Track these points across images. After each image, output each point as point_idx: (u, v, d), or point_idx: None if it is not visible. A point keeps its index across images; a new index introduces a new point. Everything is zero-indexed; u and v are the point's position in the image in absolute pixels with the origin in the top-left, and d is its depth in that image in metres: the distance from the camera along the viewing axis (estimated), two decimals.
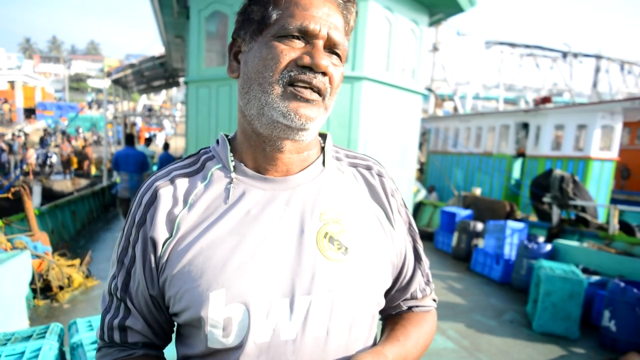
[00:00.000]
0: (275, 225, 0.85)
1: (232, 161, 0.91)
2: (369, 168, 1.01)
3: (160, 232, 0.85)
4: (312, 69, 0.82)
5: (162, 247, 0.85)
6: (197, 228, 0.85)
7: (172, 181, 0.89)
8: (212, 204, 0.87)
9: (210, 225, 0.85)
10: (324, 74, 0.83)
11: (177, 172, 0.91)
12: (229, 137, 0.97)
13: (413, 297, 1.07)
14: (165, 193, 0.88)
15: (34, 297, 4.79)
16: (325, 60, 0.82)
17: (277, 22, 0.82)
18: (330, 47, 0.85)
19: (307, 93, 0.82)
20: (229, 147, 0.93)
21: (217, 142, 0.96)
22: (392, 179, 1.04)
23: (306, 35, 0.82)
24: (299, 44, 0.83)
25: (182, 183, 0.89)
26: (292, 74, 0.81)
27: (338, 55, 0.87)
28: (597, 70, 17.69)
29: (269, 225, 0.85)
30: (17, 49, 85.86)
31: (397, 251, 0.97)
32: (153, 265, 0.86)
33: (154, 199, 0.88)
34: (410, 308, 1.07)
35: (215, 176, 0.90)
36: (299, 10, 0.82)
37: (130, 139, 8.36)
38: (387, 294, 1.01)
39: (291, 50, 0.82)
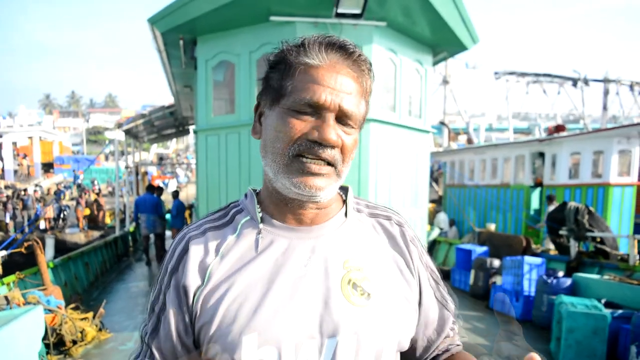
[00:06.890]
0: (301, 272, 0.89)
1: (259, 213, 0.96)
2: (388, 218, 1.05)
3: (192, 280, 0.89)
4: (320, 143, 0.84)
5: (194, 294, 0.88)
6: (229, 277, 0.88)
7: (203, 233, 0.95)
8: (242, 254, 0.91)
9: (241, 274, 0.88)
10: (333, 146, 0.86)
11: (208, 224, 0.97)
12: (257, 191, 1.02)
13: (447, 337, 1.11)
14: (197, 244, 0.93)
15: (47, 353, 4.74)
16: (334, 134, 0.85)
17: (290, 94, 0.86)
18: (342, 118, 0.87)
19: (315, 168, 0.86)
20: (256, 200, 0.98)
21: (246, 195, 1.02)
22: (411, 228, 1.08)
23: (317, 109, 0.85)
24: (309, 117, 0.85)
25: (213, 235, 0.94)
26: (301, 147, 0.85)
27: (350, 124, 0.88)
28: (606, 93, 17.49)
29: (295, 272, 0.89)
30: (37, 105, 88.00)
31: (418, 297, 1.01)
32: (185, 312, 0.89)
33: (186, 249, 0.92)
34: (448, 347, 1.11)
35: (245, 228, 0.95)
36: (309, 83, 0.84)
37: (150, 188, 10.68)
38: (424, 340, 1.06)
39: (301, 124, 0.85)
